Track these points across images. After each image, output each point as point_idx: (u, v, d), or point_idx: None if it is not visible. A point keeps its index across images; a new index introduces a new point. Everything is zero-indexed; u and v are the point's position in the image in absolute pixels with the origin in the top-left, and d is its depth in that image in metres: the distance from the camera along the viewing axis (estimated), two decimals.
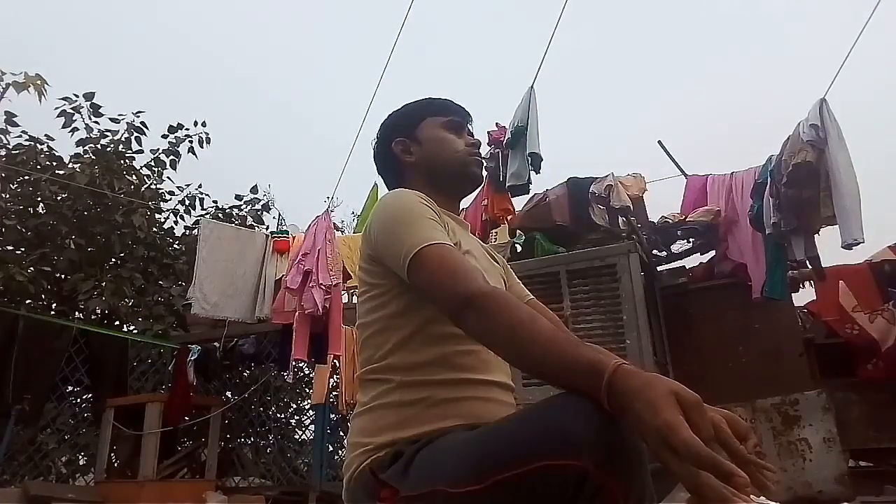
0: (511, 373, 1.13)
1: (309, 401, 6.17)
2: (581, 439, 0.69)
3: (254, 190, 7.01)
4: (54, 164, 5.89)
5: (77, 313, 5.56)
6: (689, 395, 0.67)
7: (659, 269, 4.46)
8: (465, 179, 1.27)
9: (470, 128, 1.31)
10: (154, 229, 6.13)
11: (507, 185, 4.37)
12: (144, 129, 6.30)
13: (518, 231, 4.64)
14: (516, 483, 0.72)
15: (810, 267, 3.90)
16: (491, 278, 1.15)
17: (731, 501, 0.66)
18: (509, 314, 0.86)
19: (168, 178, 6.55)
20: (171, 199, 6.66)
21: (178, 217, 6.66)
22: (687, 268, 4.52)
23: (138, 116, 6.28)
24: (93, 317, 5.65)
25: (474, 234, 1.37)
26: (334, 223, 4.74)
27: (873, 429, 3.75)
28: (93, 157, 5.88)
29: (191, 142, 6.50)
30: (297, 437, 6.60)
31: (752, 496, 0.65)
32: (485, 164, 1.29)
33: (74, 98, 6.05)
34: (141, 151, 6.35)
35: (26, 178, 5.69)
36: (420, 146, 1.25)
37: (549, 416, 0.74)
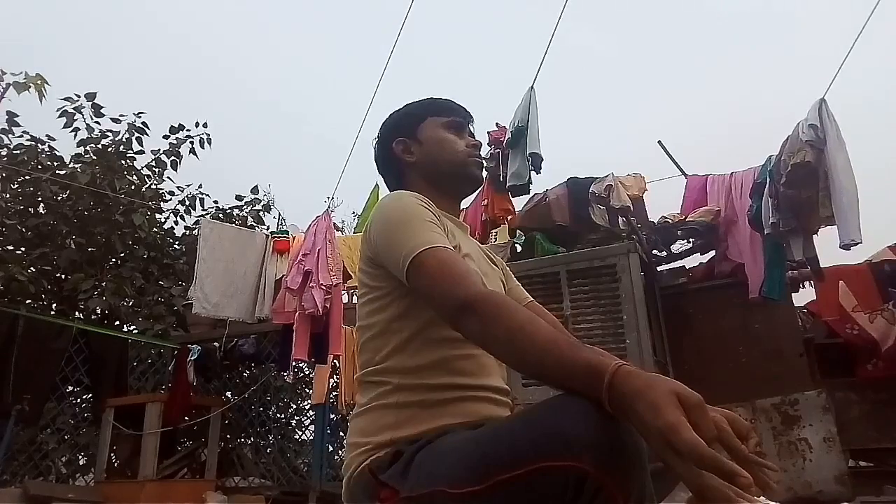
0: (509, 375, 1.14)
1: (309, 401, 6.17)
2: (581, 440, 0.69)
3: (254, 190, 7.01)
4: (55, 164, 5.88)
5: (77, 313, 5.56)
6: (691, 396, 0.67)
7: (659, 269, 4.46)
8: (464, 180, 1.27)
9: (471, 128, 1.31)
10: (154, 229, 6.13)
11: (508, 185, 4.37)
12: (146, 130, 6.30)
13: (518, 231, 4.65)
14: (516, 484, 0.73)
15: (809, 267, 3.90)
16: (490, 282, 1.15)
17: (734, 502, 0.66)
18: (508, 317, 0.85)
19: (168, 178, 6.55)
20: (171, 200, 6.66)
21: (178, 217, 6.66)
22: (687, 268, 4.52)
23: (139, 117, 6.27)
24: (93, 317, 5.65)
25: (474, 235, 1.39)
26: (334, 223, 4.74)
27: (873, 429, 3.75)
28: (94, 157, 5.87)
29: (192, 143, 6.50)
30: (297, 437, 6.60)
31: (753, 495, 0.65)
32: (485, 164, 1.29)
33: (76, 98, 6.04)
34: (142, 152, 6.35)
35: (27, 177, 5.69)
36: (421, 146, 1.25)
37: (548, 417, 0.75)
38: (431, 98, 1.32)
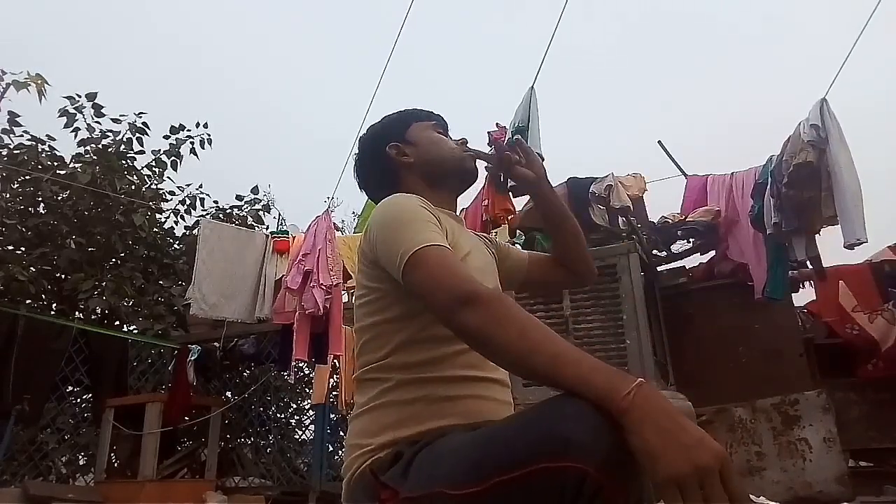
0: (511, 376, 1.13)
1: (309, 401, 6.17)
2: (580, 441, 0.69)
3: (254, 190, 7.01)
4: (55, 163, 5.87)
5: (77, 313, 5.56)
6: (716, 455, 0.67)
7: (659, 269, 4.46)
8: (463, 174, 1.29)
9: (449, 135, 1.35)
10: (154, 229, 6.13)
11: (508, 185, 4.36)
12: (146, 130, 6.30)
13: (518, 231, 4.64)
14: (516, 485, 0.72)
15: (811, 267, 3.90)
16: (487, 278, 1.15)
17: None
18: (518, 316, 0.85)
19: (169, 177, 6.55)
20: (171, 199, 6.66)
21: (178, 217, 6.66)
22: (687, 268, 4.52)
23: (140, 117, 6.27)
24: (93, 317, 5.65)
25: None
26: (334, 223, 4.74)
27: (873, 429, 3.75)
28: (94, 157, 5.87)
29: (192, 143, 6.50)
30: (297, 437, 6.60)
31: (751, 496, 0.65)
32: (477, 157, 1.31)
33: (77, 98, 6.04)
34: (143, 152, 6.35)
35: (27, 177, 5.69)
36: (415, 147, 1.27)
37: (548, 417, 0.74)
38: (408, 108, 1.35)
